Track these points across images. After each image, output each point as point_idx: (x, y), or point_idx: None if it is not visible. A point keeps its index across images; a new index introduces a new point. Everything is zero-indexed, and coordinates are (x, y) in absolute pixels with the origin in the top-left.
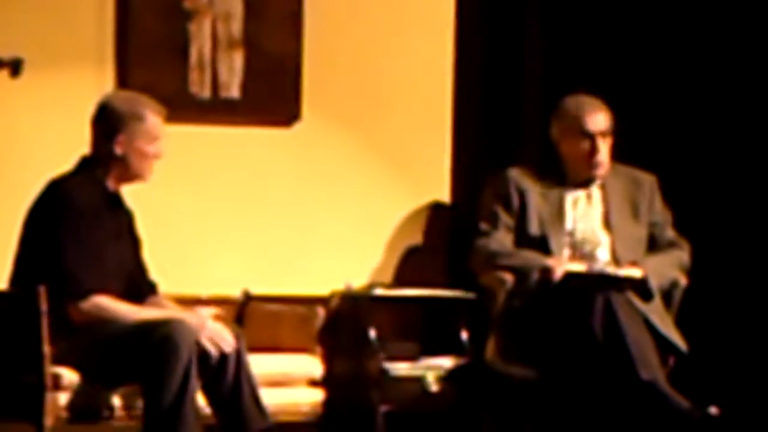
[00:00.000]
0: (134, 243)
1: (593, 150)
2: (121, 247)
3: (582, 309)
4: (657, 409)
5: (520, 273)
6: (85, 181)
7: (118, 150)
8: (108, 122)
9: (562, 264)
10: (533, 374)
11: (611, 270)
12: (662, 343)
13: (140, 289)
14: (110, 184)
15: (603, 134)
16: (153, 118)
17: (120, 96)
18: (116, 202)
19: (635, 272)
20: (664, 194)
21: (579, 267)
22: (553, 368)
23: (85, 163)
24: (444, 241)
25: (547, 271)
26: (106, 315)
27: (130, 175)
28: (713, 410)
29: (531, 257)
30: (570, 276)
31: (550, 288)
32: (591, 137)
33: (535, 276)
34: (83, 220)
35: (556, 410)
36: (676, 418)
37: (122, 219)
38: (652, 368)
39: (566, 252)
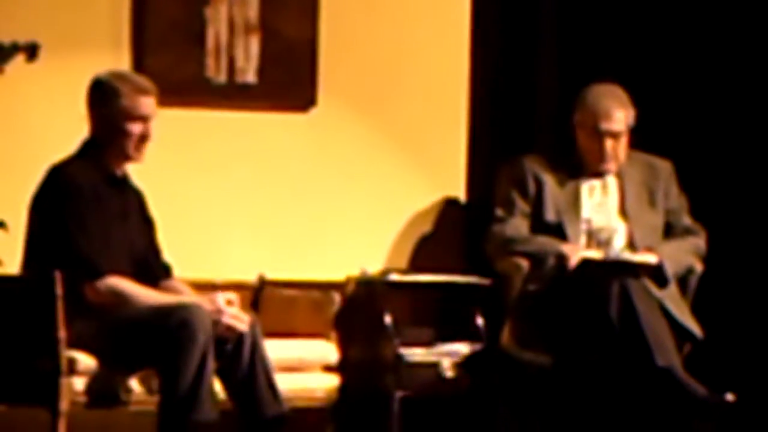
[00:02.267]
0: (147, 225)
1: (602, 149)
2: (129, 229)
3: (598, 295)
4: (673, 395)
5: (536, 259)
6: (85, 164)
7: (96, 125)
8: (90, 97)
9: (578, 250)
10: (549, 360)
11: (627, 255)
12: (678, 330)
13: (153, 271)
14: (112, 165)
15: (615, 135)
16: (132, 96)
17: (107, 73)
18: (121, 183)
19: (651, 258)
20: (681, 181)
21: (595, 254)
22: (568, 354)
23: (85, 146)
24: (459, 226)
25: (562, 258)
26: (122, 296)
27: (116, 153)
28: (729, 396)
29: (547, 243)
30: (586, 262)
31: (566, 274)
32: (602, 136)
33: (550, 262)
34: (84, 203)
35: (571, 396)
36: (693, 405)
37: (129, 200)
38: (668, 354)
39: (582, 240)
